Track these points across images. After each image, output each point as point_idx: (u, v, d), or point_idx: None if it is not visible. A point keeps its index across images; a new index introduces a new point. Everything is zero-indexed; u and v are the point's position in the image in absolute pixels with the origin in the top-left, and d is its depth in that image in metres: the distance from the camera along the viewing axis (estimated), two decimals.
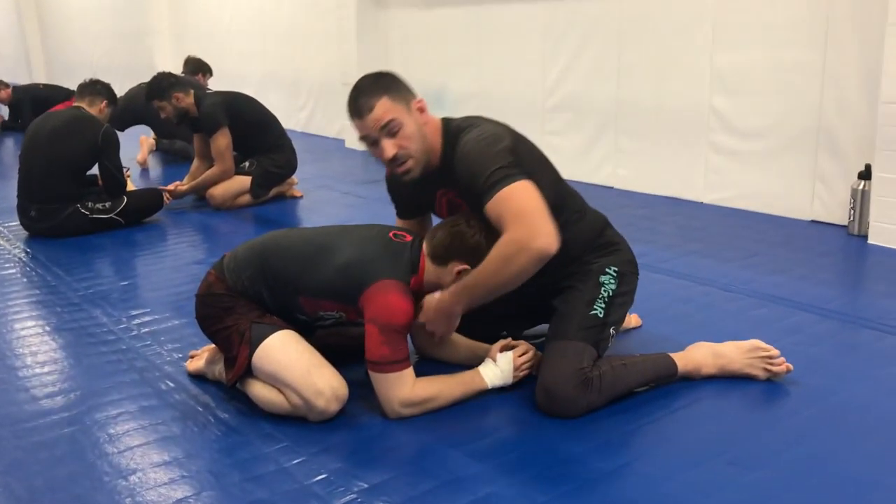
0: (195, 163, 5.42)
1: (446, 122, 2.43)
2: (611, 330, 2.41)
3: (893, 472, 1.99)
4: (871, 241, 3.93)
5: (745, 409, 2.34)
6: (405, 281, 2.25)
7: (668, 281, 3.46)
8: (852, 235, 4.06)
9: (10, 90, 8.77)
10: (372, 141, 2.33)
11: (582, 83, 5.47)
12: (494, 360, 2.42)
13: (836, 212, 4.24)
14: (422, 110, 2.37)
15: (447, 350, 2.61)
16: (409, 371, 2.26)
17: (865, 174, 3.98)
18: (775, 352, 2.48)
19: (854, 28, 4.02)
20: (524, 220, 2.14)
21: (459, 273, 2.26)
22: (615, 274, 2.45)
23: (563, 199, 2.44)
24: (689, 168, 4.92)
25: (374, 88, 2.30)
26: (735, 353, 2.49)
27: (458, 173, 2.29)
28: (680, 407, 2.34)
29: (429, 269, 2.31)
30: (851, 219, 4.07)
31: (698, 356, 2.50)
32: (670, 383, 2.46)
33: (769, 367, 2.46)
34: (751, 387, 2.45)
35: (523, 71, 5.87)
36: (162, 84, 5.09)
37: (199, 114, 5.11)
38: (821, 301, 3.15)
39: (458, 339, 2.59)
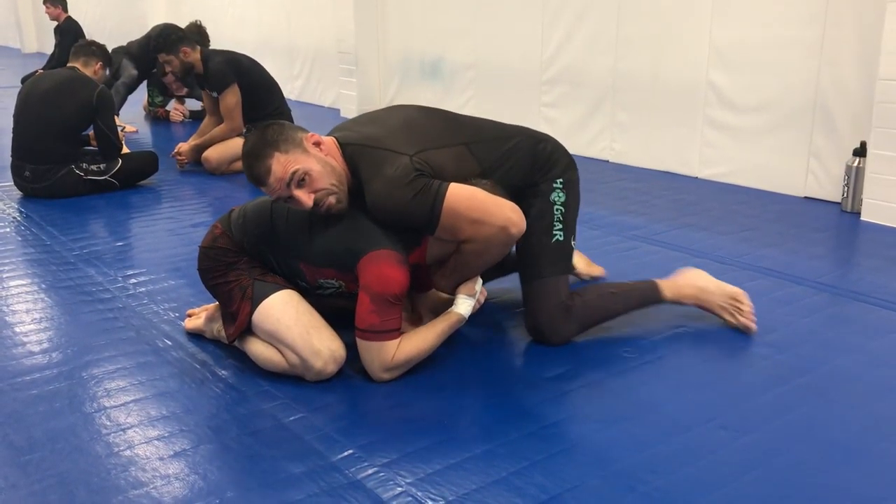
0: (206, 119, 5.41)
1: (341, 146, 2.38)
2: (571, 241, 2.57)
3: (880, 439, 2.03)
4: (863, 217, 3.95)
5: (736, 376, 2.37)
6: (403, 252, 2.25)
7: (662, 252, 3.48)
8: (845, 212, 4.08)
9: (65, 14, 8.73)
10: (286, 198, 2.28)
11: (579, 56, 5.45)
12: (465, 295, 2.39)
13: (830, 188, 4.27)
14: (317, 144, 2.31)
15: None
16: (395, 342, 2.25)
17: (860, 151, 4.00)
18: (750, 307, 2.65)
19: (854, 6, 4.02)
20: (483, 222, 2.24)
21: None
22: (561, 185, 2.54)
23: (488, 155, 2.45)
24: (684, 143, 4.92)
25: (263, 149, 2.22)
26: (717, 293, 2.68)
27: (382, 220, 2.27)
28: (672, 374, 2.37)
29: (432, 241, 2.32)
30: (845, 195, 4.09)
31: (686, 289, 2.68)
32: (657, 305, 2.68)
33: (737, 315, 2.63)
34: (743, 354, 2.49)
35: (520, 42, 5.84)
36: (170, 37, 4.99)
37: (206, 71, 5.06)
38: (813, 275, 3.19)
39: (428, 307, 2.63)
